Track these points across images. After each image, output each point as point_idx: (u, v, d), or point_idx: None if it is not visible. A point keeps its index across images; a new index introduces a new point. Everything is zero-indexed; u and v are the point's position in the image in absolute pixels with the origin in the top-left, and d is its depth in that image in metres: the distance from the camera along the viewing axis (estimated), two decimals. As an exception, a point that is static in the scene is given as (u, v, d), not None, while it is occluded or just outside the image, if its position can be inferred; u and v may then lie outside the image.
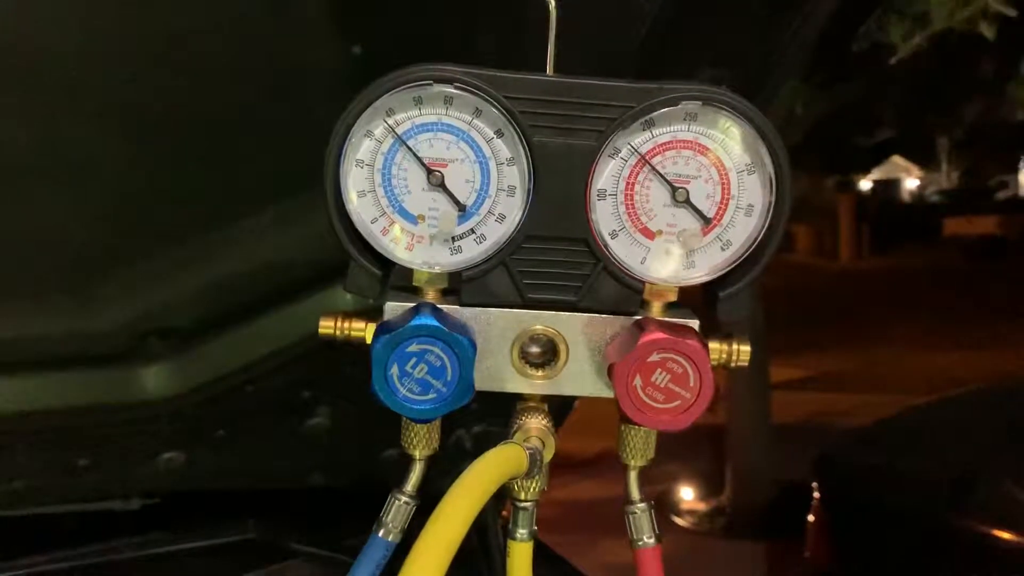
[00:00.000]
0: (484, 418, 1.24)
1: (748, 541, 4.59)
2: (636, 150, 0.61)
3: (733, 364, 0.66)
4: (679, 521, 4.88)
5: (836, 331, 8.74)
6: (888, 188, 22.51)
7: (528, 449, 0.60)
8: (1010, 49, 2.75)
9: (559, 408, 0.72)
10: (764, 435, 4.97)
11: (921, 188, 23.09)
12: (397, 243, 0.62)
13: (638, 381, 0.60)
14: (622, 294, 0.63)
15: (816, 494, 3.09)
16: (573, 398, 0.90)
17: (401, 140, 0.60)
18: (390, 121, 0.60)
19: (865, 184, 19.90)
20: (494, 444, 0.60)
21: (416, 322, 0.58)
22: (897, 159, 20.05)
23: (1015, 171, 20.51)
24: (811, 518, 3.10)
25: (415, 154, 0.60)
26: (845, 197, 15.61)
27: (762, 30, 0.96)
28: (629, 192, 0.62)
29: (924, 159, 20.01)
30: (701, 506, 5.08)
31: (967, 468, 2.84)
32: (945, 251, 15.42)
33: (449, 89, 0.59)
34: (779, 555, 4.27)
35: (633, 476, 0.67)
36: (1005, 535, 2.48)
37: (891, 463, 3.05)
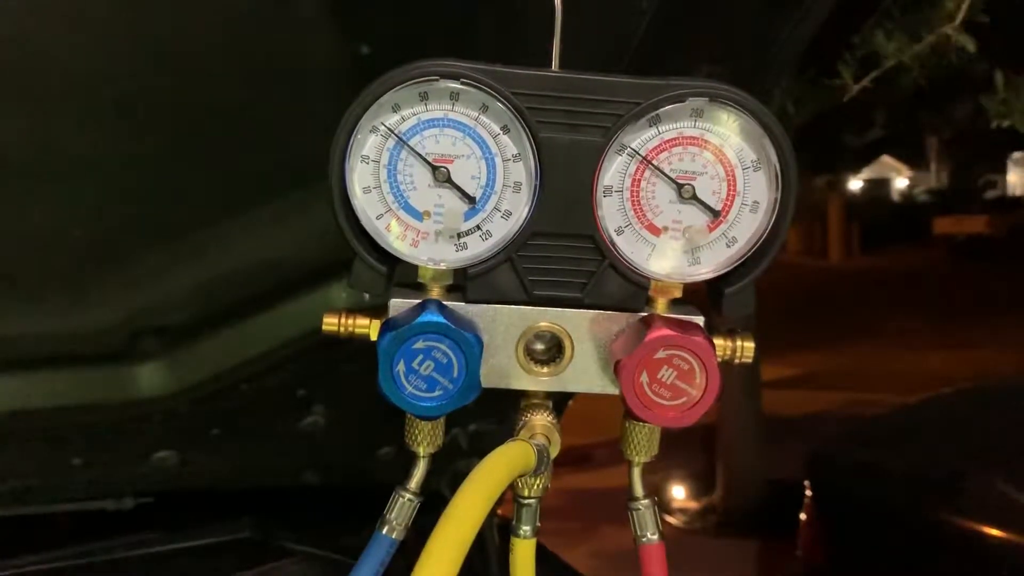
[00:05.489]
0: (479, 417, 1.24)
1: (740, 539, 4.60)
2: (637, 152, 0.61)
3: (737, 360, 0.66)
4: (670, 519, 4.89)
5: (827, 330, 8.78)
6: (878, 187, 22.62)
7: (535, 446, 0.60)
8: (1001, 51, 2.76)
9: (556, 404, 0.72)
10: (755, 433, 4.98)
11: (910, 187, 23.22)
12: (402, 239, 0.61)
13: (644, 377, 0.60)
14: (628, 291, 0.63)
15: (808, 492, 3.10)
16: (573, 394, 0.90)
17: (402, 141, 0.60)
18: (393, 119, 0.60)
19: (855, 183, 19.98)
20: (489, 443, 0.59)
21: (423, 319, 0.57)
22: (887, 159, 20.14)
23: (1003, 171, 20.65)
24: (803, 516, 3.11)
25: (418, 153, 0.60)
26: (835, 196, 15.68)
27: (759, 28, 0.97)
28: (635, 189, 0.62)
29: (913, 159, 20.12)
30: (692, 504, 5.09)
31: (957, 466, 2.85)
32: (934, 250, 15.52)
33: (455, 85, 0.59)
34: (771, 554, 4.28)
35: (636, 472, 0.67)
36: (995, 532, 2.49)
37: (883, 461, 3.06)
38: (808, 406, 6.24)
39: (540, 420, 0.64)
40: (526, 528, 0.68)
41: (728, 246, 0.63)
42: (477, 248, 0.62)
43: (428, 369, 0.57)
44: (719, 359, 0.63)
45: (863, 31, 2.48)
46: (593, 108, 0.60)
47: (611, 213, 0.62)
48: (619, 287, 0.63)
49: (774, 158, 0.62)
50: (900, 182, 23.64)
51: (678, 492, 5.16)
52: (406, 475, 0.65)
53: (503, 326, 0.63)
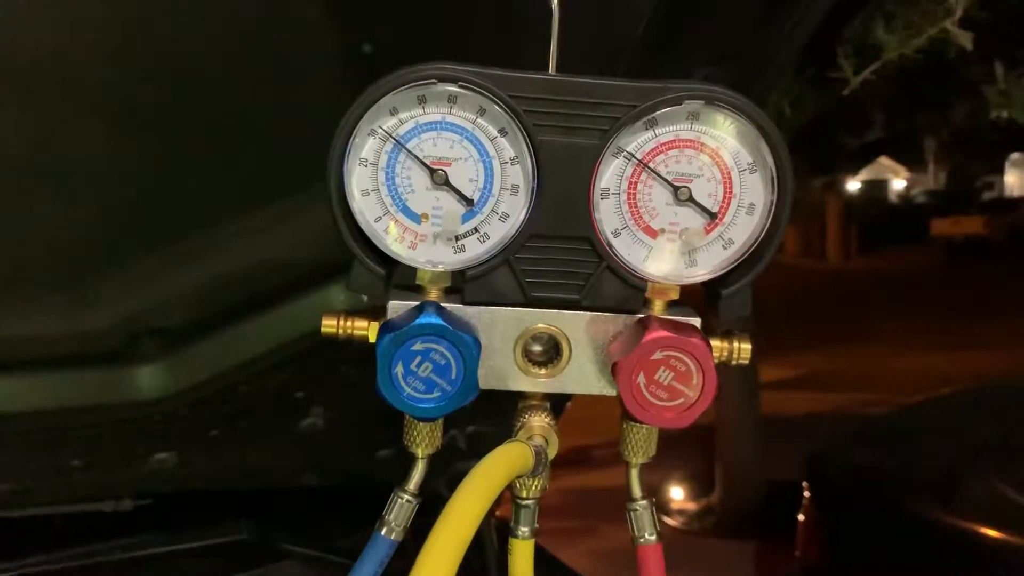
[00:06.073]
0: (477, 418, 1.24)
1: (738, 540, 4.61)
2: (634, 155, 0.61)
3: (734, 362, 0.66)
4: (669, 520, 4.88)
5: (825, 331, 8.78)
6: (875, 189, 22.65)
7: (533, 447, 0.60)
8: (998, 49, 2.77)
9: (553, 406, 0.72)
10: (754, 434, 4.98)
11: (908, 189, 23.25)
12: (400, 242, 0.61)
13: (642, 379, 0.60)
14: (625, 292, 0.63)
15: (806, 493, 3.10)
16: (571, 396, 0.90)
17: (400, 144, 0.60)
18: (391, 122, 0.60)
19: (853, 185, 19.99)
20: (487, 444, 0.59)
21: (421, 321, 0.58)
22: (884, 160, 20.16)
23: (1000, 172, 20.69)
24: (801, 517, 3.11)
25: (416, 156, 0.60)
26: (833, 198, 15.69)
27: (757, 29, 0.97)
28: (632, 191, 0.62)
29: (911, 160, 20.13)
30: (691, 505, 5.09)
31: (956, 467, 2.86)
32: (932, 251, 15.54)
33: (453, 88, 0.59)
34: (769, 554, 4.28)
35: (634, 473, 0.67)
36: (993, 532, 2.49)
37: (881, 462, 3.06)
38: (806, 407, 6.24)
39: (538, 421, 0.65)
40: (524, 529, 0.68)
41: (725, 248, 0.63)
42: (475, 250, 0.62)
43: (426, 371, 0.58)
44: (716, 360, 0.63)
45: (855, 24, 2.48)
46: (590, 111, 0.60)
47: (608, 215, 0.62)
48: (616, 289, 0.63)
49: (770, 160, 0.62)
50: (898, 183, 23.67)
51: (677, 493, 5.16)
52: (405, 476, 0.65)
53: (501, 328, 0.63)
